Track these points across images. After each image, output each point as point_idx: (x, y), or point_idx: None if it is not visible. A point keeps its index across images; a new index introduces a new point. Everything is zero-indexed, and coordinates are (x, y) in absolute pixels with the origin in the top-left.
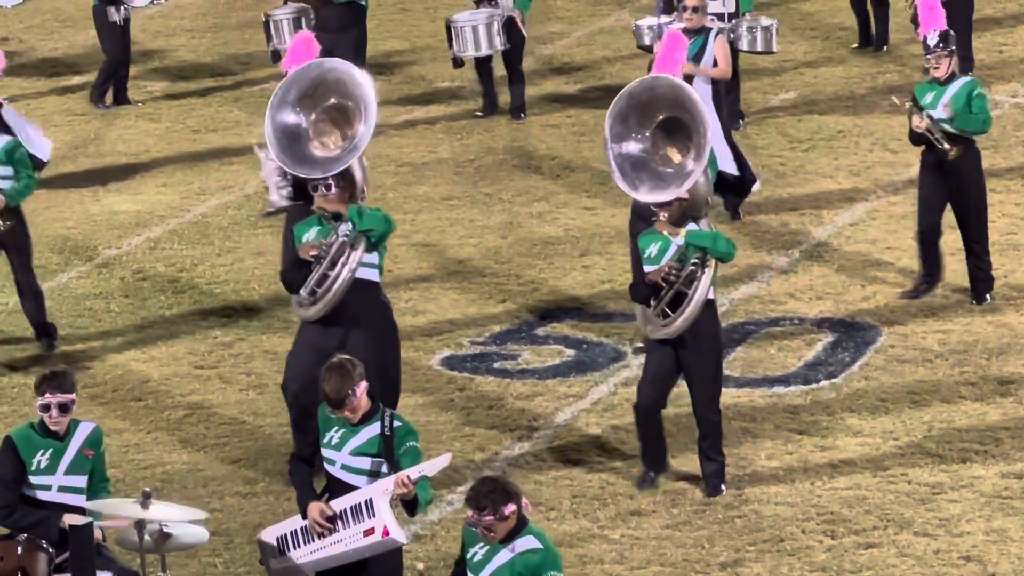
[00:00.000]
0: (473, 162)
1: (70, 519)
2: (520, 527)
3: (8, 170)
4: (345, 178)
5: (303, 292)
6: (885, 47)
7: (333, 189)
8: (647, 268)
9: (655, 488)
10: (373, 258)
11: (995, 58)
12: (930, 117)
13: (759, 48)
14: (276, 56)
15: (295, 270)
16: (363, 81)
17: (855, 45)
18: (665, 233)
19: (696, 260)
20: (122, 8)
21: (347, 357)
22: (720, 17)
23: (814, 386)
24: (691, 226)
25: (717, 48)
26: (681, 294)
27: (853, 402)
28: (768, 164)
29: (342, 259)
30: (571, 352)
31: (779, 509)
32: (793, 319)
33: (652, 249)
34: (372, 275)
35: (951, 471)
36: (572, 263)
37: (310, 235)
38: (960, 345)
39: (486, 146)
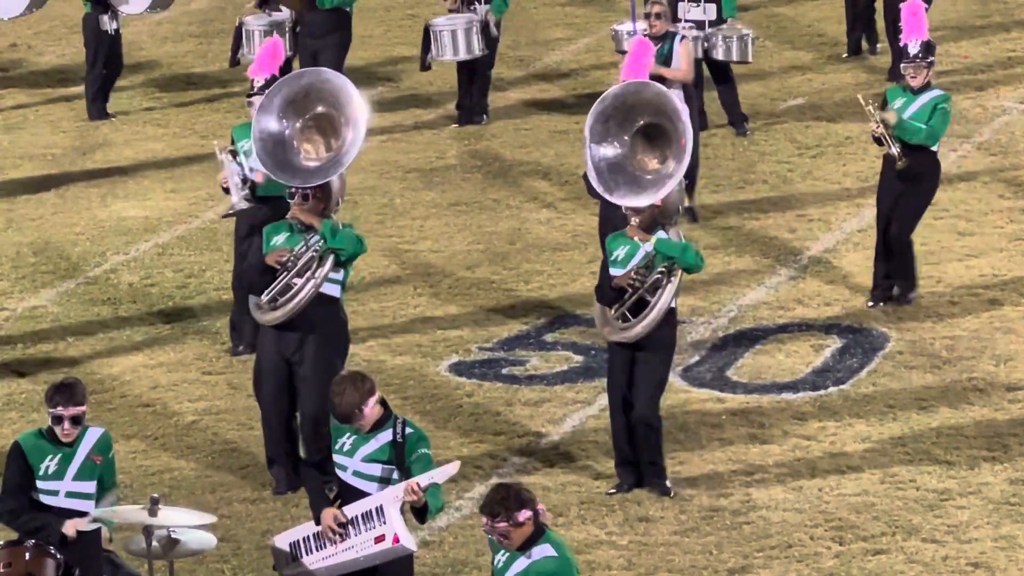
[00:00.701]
0: (481, 168)
1: (72, 526)
2: (538, 535)
3: None
4: (323, 190)
5: (264, 297)
6: (878, 47)
7: (309, 200)
8: (613, 271)
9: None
10: (338, 274)
11: (1003, 63)
12: (884, 122)
13: (734, 57)
14: (236, 62)
15: (258, 272)
16: (356, 97)
17: (844, 55)
18: (635, 239)
19: (663, 269)
20: (114, 18)
21: (357, 372)
22: (700, 25)
23: (822, 392)
24: (661, 234)
25: (681, 51)
26: (644, 300)
27: (861, 408)
28: (776, 170)
29: (309, 272)
30: (579, 358)
31: (787, 515)
32: (801, 325)
33: (620, 252)
34: (334, 290)
35: (959, 477)
36: (580, 269)
37: (279, 239)
38: (968, 351)
39: (493, 152)
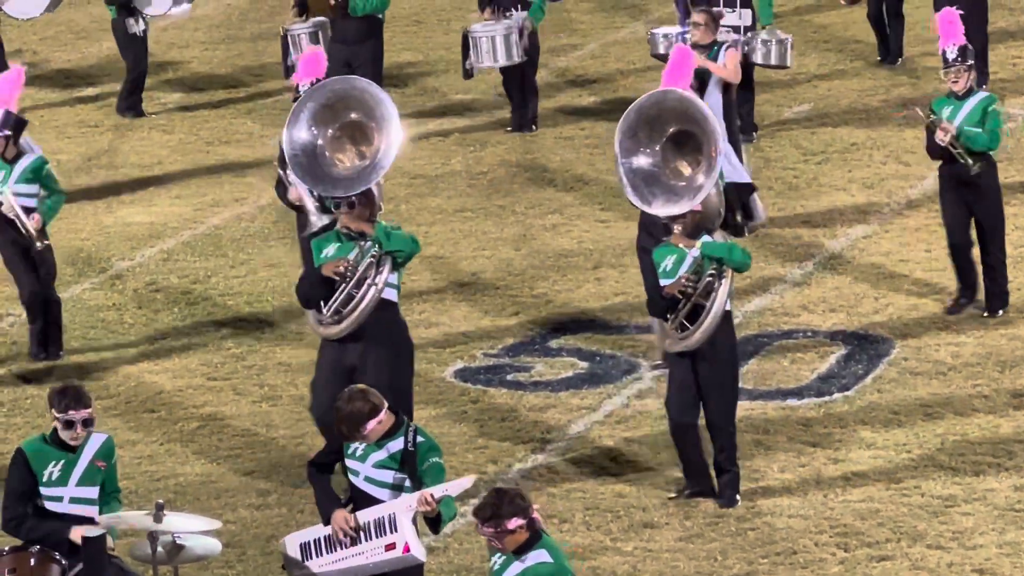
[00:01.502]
0: (486, 174)
1: (79, 532)
2: (534, 540)
3: (34, 187)
4: (366, 196)
5: (327, 311)
6: (900, 60)
7: (355, 207)
8: (663, 281)
9: (683, 499)
10: (393, 278)
11: (1009, 71)
12: (951, 133)
13: (773, 62)
14: (291, 71)
15: (314, 286)
16: (385, 100)
17: (877, 59)
18: (680, 246)
19: (712, 271)
20: (140, 19)
21: (361, 389)
22: (736, 30)
23: (827, 399)
24: (705, 238)
25: (728, 56)
26: (698, 306)
27: (866, 415)
28: (782, 176)
29: (369, 279)
30: (584, 364)
31: (792, 522)
32: (806, 332)
33: (668, 262)
34: (391, 295)
35: (964, 484)
36: (585, 275)
37: (329, 251)
38: (973, 358)
39: (499, 158)
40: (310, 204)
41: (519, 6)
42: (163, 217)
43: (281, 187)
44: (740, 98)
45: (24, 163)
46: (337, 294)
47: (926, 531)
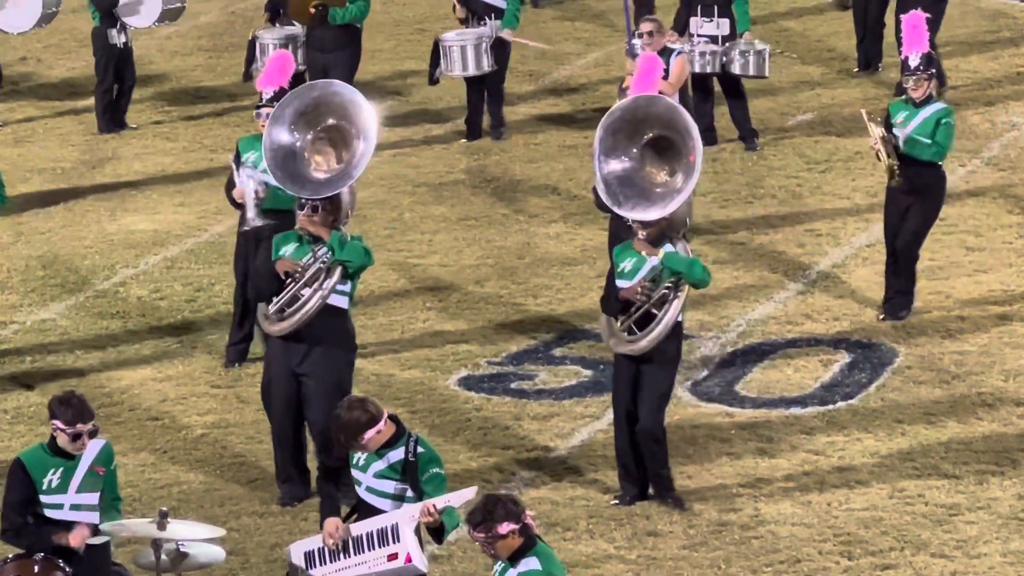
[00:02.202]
0: (490, 182)
1: (78, 535)
2: (527, 547)
3: None
4: (332, 202)
5: (271, 308)
6: (880, 66)
7: (319, 212)
8: (620, 283)
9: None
10: (345, 286)
11: (1012, 78)
12: (895, 137)
13: (751, 72)
14: (250, 76)
15: (266, 281)
16: (366, 108)
17: (855, 70)
18: (642, 252)
19: (670, 283)
20: (123, 32)
21: (359, 398)
22: (714, 40)
23: (831, 407)
24: (668, 248)
25: (675, 65)
26: (650, 313)
27: (870, 423)
28: (785, 185)
29: (316, 283)
30: (588, 373)
31: (796, 530)
32: (810, 340)
33: (626, 264)
34: (341, 302)
35: (968, 492)
36: (589, 283)
37: (288, 250)
38: (977, 366)
39: (503, 166)
40: (251, 203)
41: (493, 15)
42: (167, 225)
43: (230, 184)
44: (732, 106)
45: None
46: (284, 293)
47: (930, 540)
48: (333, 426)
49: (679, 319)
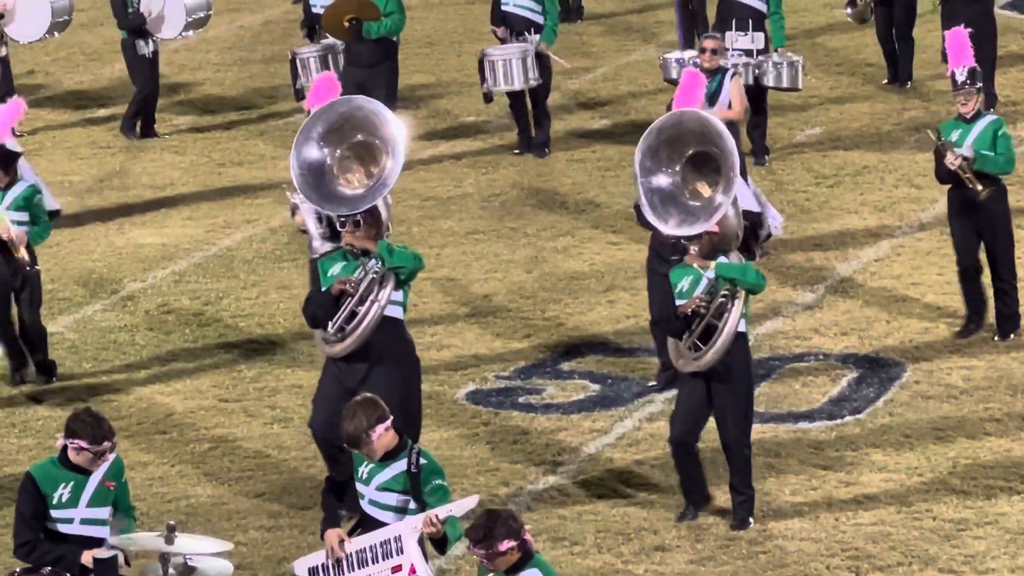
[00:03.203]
0: (498, 197)
1: (90, 555)
2: (525, 560)
3: (24, 215)
4: (372, 215)
5: (330, 329)
6: (910, 83)
7: (361, 226)
8: (679, 302)
9: (694, 522)
10: (398, 296)
11: (1021, 95)
12: (964, 157)
13: (784, 84)
14: (301, 94)
15: (320, 305)
16: (391, 119)
17: (884, 81)
18: (695, 266)
19: (726, 292)
20: (150, 41)
21: (369, 396)
22: (748, 53)
23: (838, 422)
24: (720, 259)
25: (732, 89)
26: (711, 327)
27: (878, 438)
28: (793, 199)
29: (371, 296)
30: (596, 387)
31: (803, 545)
32: (818, 355)
33: (684, 283)
34: (397, 312)
35: (976, 507)
36: (597, 298)
37: (335, 270)
38: (985, 381)
39: (511, 181)
40: (313, 229)
41: (532, 30)
42: (175, 238)
43: (294, 210)
44: (752, 122)
45: (17, 191)
46: (341, 312)
47: (938, 555)
48: (342, 423)
49: (741, 328)
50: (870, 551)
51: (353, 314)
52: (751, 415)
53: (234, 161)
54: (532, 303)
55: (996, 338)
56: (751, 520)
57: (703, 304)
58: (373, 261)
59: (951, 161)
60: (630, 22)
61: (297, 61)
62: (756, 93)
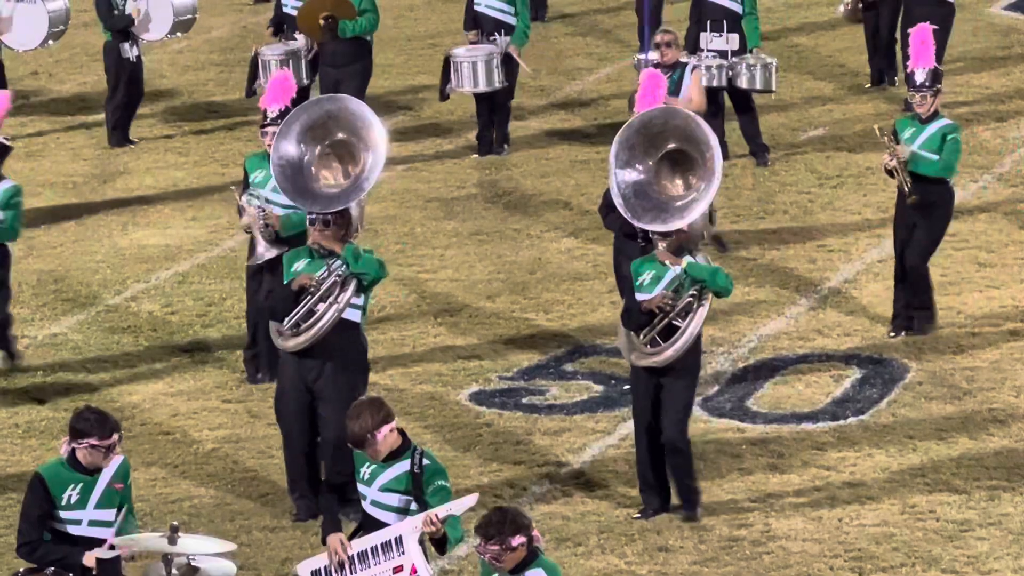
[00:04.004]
0: (502, 197)
1: (91, 556)
2: (530, 559)
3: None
4: (343, 216)
5: (286, 323)
6: (896, 81)
7: (330, 226)
8: (640, 296)
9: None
10: (359, 299)
11: (1023, 94)
12: (897, 157)
13: (758, 86)
14: (252, 92)
15: (283, 299)
16: (376, 124)
17: (867, 85)
18: (666, 263)
19: (693, 293)
20: (135, 45)
21: (375, 397)
22: (723, 55)
23: (842, 422)
24: (688, 258)
25: (692, 82)
26: (672, 325)
27: (881, 438)
28: (796, 200)
29: (331, 298)
30: (599, 388)
31: (806, 546)
32: (821, 355)
33: (646, 276)
34: (355, 315)
35: (979, 508)
36: (600, 299)
37: (299, 266)
38: (988, 382)
39: (514, 181)
40: (259, 234)
41: (503, 31)
42: (178, 239)
43: (241, 210)
44: (742, 121)
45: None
46: (299, 308)
47: (941, 556)
48: (348, 423)
49: (700, 330)
50: (873, 552)
51: (311, 312)
52: (691, 408)
53: (237, 162)
54: (535, 304)
55: (891, 334)
56: (700, 510)
57: (669, 302)
58: (338, 263)
59: (886, 160)
60: (633, 22)
61: (260, 61)
62: (740, 93)
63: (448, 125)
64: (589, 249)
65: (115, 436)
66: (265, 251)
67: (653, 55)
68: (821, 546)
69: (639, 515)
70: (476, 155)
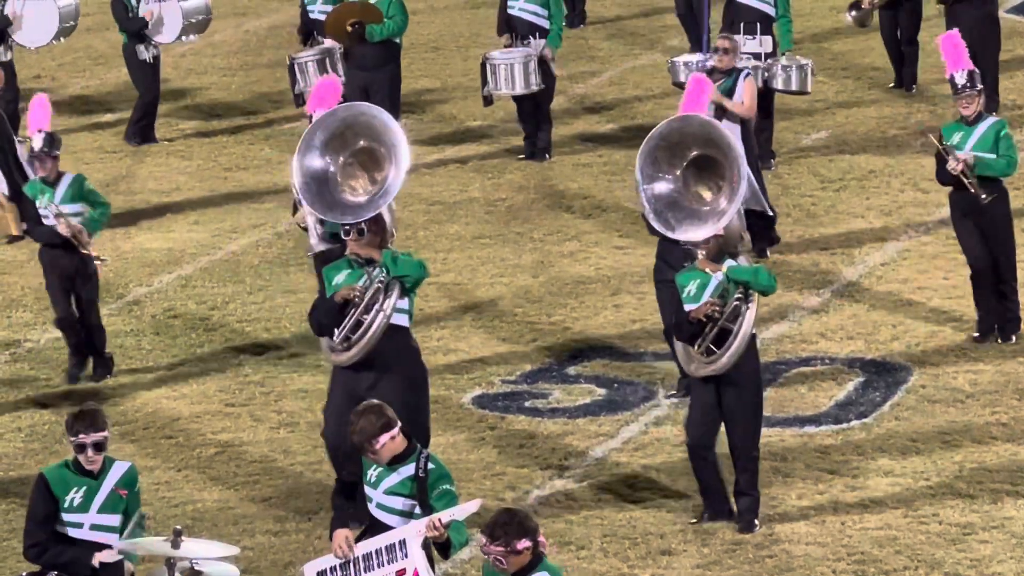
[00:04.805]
0: (504, 201)
1: (100, 557)
2: (535, 563)
3: (79, 206)
4: (376, 223)
5: (336, 338)
6: (915, 87)
7: (365, 234)
8: (688, 306)
9: (700, 526)
10: (404, 303)
11: None
12: (965, 162)
13: (793, 87)
14: (301, 99)
15: (326, 313)
16: (393, 126)
17: (891, 85)
18: (707, 270)
19: (739, 295)
20: (151, 46)
21: (375, 404)
22: (757, 56)
23: (845, 426)
24: (730, 262)
25: (745, 88)
26: (725, 330)
27: (884, 442)
28: (800, 204)
29: (377, 305)
30: (602, 391)
31: (810, 549)
32: (824, 359)
33: (691, 287)
34: (403, 320)
35: (982, 512)
36: (603, 302)
37: (340, 279)
38: (991, 385)
39: (517, 185)
40: (312, 227)
41: (537, 34)
42: (181, 243)
43: (296, 208)
44: (759, 125)
45: (66, 182)
46: (346, 320)
47: (944, 559)
48: (348, 429)
49: (753, 331)
50: (876, 555)
51: (359, 323)
52: (760, 417)
53: (240, 166)
54: (538, 307)
55: (999, 340)
56: (757, 523)
57: (717, 308)
58: (378, 270)
59: (952, 166)
60: (636, 26)
61: (295, 66)
62: (763, 97)
63: (451, 129)
64: (592, 252)
65: (81, 436)
66: (317, 244)
67: (711, 59)
68: (824, 550)
69: (695, 520)
70: (522, 157)
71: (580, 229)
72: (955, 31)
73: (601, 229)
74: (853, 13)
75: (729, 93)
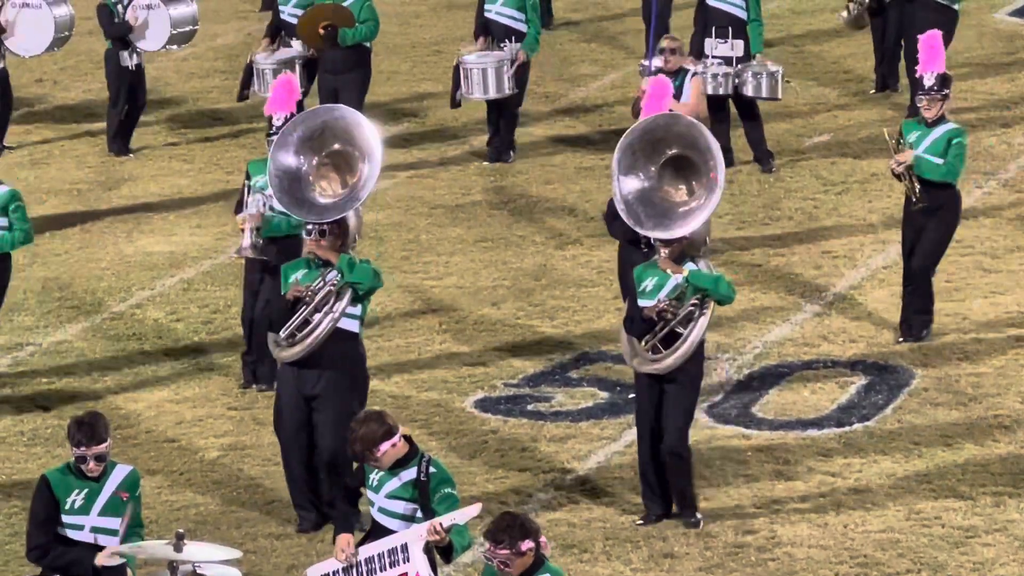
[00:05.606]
0: (507, 204)
1: (101, 558)
2: (538, 565)
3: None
4: (339, 226)
5: (283, 333)
6: (899, 86)
7: (327, 236)
8: (642, 302)
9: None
10: (356, 309)
11: None
12: (904, 163)
13: (764, 94)
14: (243, 98)
15: (280, 310)
16: (370, 132)
17: (872, 91)
18: (668, 271)
19: (696, 301)
20: (134, 53)
21: (376, 412)
22: (728, 61)
23: (847, 429)
24: (691, 265)
25: (692, 87)
26: (674, 332)
27: (886, 445)
28: (802, 206)
29: (326, 307)
30: (604, 394)
31: (812, 552)
32: (826, 362)
33: (648, 283)
34: (352, 325)
35: (985, 514)
36: (605, 305)
37: (297, 276)
38: (994, 388)
39: (519, 188)
40: (248, 234)
41: (513, 38)
42: (183, 247)
43: (239, 207)
44: (747, 127)
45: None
46: (295, 318)
47: (947, 562)
48: (350, 437)
49: (702, 338)
50: (879, 558)
51: (306, 322)
52: (692, 416)
53: (242, 169)
54: (541, 311)
55: (901, 339)
56: (699, 515)
57: (670, 309)
58: (333, 272)
59: (892, 165)
60: (639, 29)
61: (254, 69)
62: (743, 100)
63: (453, 132)
64: (594, 256)
65: (82, 448)
66: (244, 249)
67: (657, 61)
68: (827, 552)
69: (641, 521)
70: (485, 161)
71: (582, 232)
72: (936, 32)
73: (603, 232)
74: (845, 15)
75: (678, 94)
